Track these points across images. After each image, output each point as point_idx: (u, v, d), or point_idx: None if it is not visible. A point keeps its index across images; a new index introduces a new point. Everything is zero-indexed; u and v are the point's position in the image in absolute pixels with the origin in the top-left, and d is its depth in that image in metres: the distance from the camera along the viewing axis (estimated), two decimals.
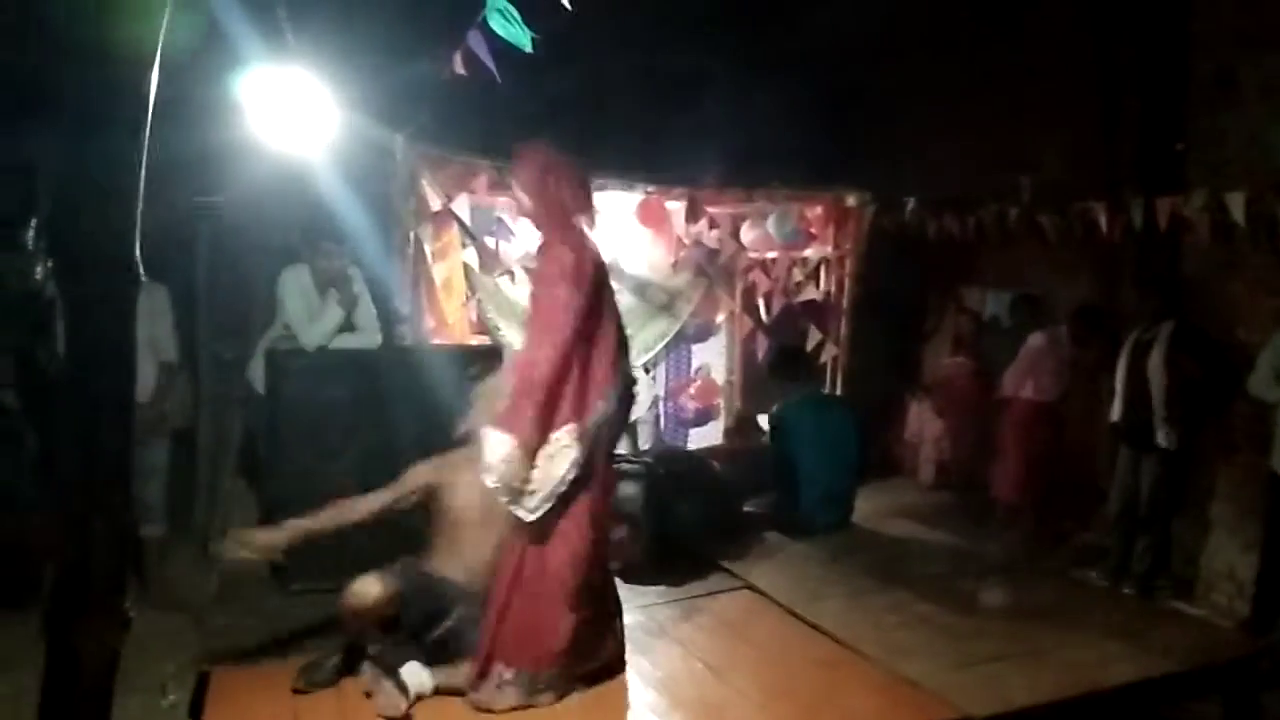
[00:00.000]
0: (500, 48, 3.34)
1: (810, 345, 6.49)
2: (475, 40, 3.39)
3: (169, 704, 3.56)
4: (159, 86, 2.15)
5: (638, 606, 4.06)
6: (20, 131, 3.90)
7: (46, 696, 2.14)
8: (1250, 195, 4.67)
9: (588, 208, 3.38)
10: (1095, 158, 5.84)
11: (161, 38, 2.03)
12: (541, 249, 3.33)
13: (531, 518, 3.10)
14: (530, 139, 3.37)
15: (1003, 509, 5.77)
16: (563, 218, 3.27)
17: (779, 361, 5.96)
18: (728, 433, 6.62)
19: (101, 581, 2.08)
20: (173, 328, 4.71)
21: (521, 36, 3.20)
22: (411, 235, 5.07)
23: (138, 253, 2.09)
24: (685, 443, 6.48)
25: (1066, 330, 5.74)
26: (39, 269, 4.54)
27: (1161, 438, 4.89)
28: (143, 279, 2.12)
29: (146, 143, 2.09)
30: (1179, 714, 3.73)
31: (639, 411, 5.89)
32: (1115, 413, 5.16)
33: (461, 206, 5.34)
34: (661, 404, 6.46)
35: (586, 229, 3.35)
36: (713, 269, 6.41)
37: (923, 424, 7.02)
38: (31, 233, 4.59)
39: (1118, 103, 5.76)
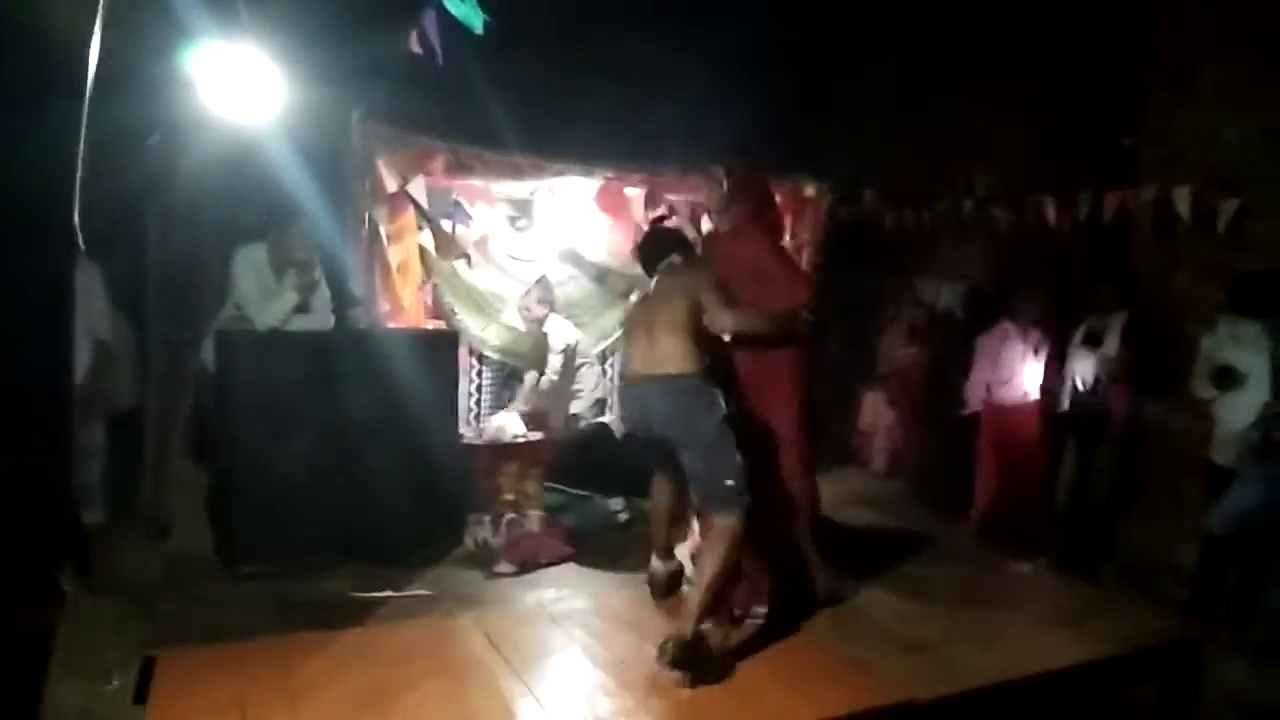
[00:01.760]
0: (455, 28, 3.31)
1: None
2: (429, 19, 3.35)
3: (113, 690, 3.51)
4: (106, 63, 2.10)
5: (590, 592, 4.08)
6: None
7: None
8: (1195, 190, 4.78)
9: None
10: (1052, 153, 5.92)
11: (99, 12, 1.99)
12: (739, 232, 4.00)
13: None
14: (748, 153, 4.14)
15: (978, 524, 5.58)
16: (760, 213, 4.05)
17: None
18: None
19: (36, 555, 2.04)
20: (107, 305, 4.63)
21: (474, 18, 3.16)
22: (366, 217, 5.00)
23: (77, 225, 2.05)
24: None
25: (1011, 323, 5.63)
26: None
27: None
28: (81, 248, 2.08)
29: (86, 116, 2.04)
30: (1119, 697, 3.82)
31: (583, 403, 5.87)
32: (1064, 403, 5.26)
33: (418, 188, 5.26)
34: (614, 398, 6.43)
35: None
36: None
37: (876, 414, 7.10)
38: None
39: (1076, 98, 5.85)
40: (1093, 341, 5.14)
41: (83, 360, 4.40)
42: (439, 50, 3.44)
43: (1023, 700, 3.38)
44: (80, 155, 2.04)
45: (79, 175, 2.04)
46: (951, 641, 3.62)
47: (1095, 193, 5.25)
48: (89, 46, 2.03)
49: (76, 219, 2.04)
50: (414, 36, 3.58)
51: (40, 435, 2.05)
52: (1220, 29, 5.06)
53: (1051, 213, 5.42)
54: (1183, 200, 4.83)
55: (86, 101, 2.04)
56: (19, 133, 1.98)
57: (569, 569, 4.37)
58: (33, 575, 2.06)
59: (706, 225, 6.32)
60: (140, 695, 3.09)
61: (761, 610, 3.71)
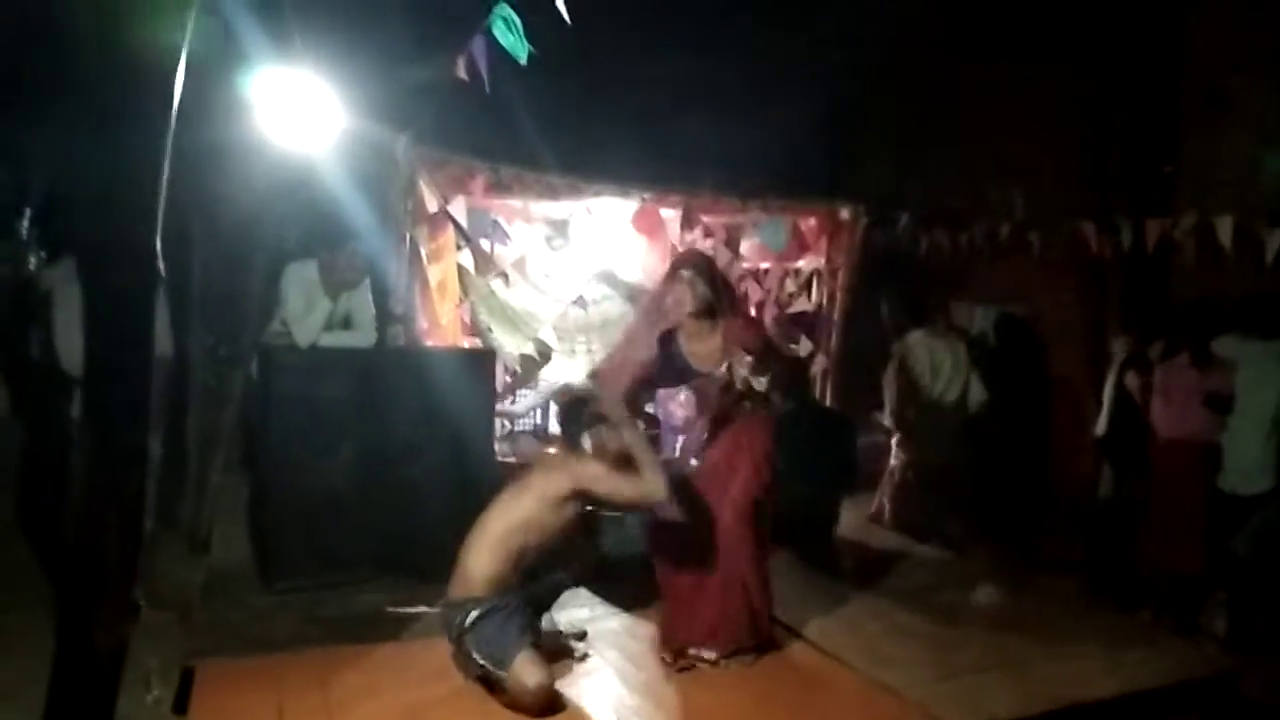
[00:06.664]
0: (498, 54, 3.38)
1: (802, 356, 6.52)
2: (478, 47, 3.42)
3: (154, 699, 3.56)
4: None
5: (623, 612, 4.09)
6: (14, 122, 3.89)
7: (57, 681, 2.14)
8: (1238, 219, 4.74)
9: None
10: (1088, 176, 5.91)
11: (186, 38, 2.05)
12: None
13: None
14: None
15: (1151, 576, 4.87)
16: None
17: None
18: None
19: (114, 570, 2.09)
20: (167, 323, 4.72)
21: (519, 48, 3.23)
22: (408, 236, 5.08)
23: (159, 246, 2.11)
24: (674, 450, 6.50)
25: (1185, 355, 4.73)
26: (32, 259, 4.54)
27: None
28: (161, 270, 2.14)
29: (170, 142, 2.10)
30: None
31: None
32: (1100, 428, 5.21)
33: (458, 208, 5.35)
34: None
35: None
36: None
37: None
38: (25, 222, 4.59)
39: (1111, 121, 5.83)
40: (1129, 369, 5.08)
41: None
42: (486, 80, 3.50)
43: None
44: (164, 177, 2.09)
45: (162, 196, 2.10)
46: (985, 669, 3.60)
47: (1135, 220, 5.21)
48: (177, 66, 2.09)
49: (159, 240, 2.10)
50: (461, 64, 3.65)
51: (124, 454, 2.11)
52: (1253, 50, 5.03)
53: (1092, 239, 5.39)
54: (1224, 230, 4.79)
55: (172, 124, 2.10)
56: (110, 153, 2.04)
57: (601, 589, 4.38)
58: (112, 591, 2.11)
59: (744, 247, 6.37)
60: (180, 705, 3.15)
61: (710, 655, 3.55)
